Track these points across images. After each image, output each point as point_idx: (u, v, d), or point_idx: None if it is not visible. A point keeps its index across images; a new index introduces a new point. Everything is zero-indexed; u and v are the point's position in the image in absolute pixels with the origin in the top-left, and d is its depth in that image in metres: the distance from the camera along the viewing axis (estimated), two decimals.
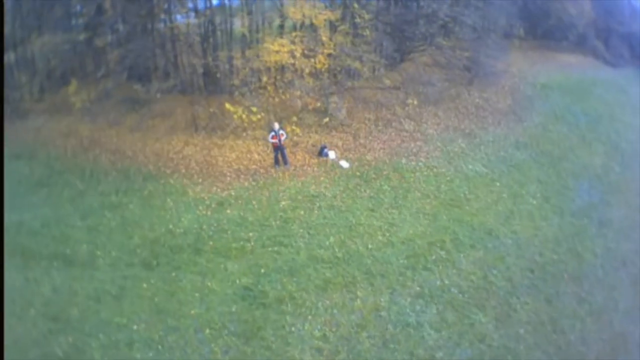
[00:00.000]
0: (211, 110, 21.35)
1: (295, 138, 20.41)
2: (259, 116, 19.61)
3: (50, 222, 16.08)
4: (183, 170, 18.80)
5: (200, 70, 21.94)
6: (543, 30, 37.67)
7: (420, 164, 19.67)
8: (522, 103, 27.10)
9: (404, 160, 19.79)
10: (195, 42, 21.83)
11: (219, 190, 17.62)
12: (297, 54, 19.26)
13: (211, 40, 22.45)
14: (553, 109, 27.33)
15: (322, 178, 18.24)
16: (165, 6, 22.37)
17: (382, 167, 19.12)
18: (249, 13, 22.50)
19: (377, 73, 23.37)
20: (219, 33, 22.84)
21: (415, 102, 22.77)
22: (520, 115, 25.71)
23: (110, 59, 22.21)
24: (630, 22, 42.90)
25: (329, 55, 20.16)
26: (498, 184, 19.55)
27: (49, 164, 19.17)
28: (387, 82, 22.72)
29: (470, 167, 20.09)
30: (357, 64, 21.39)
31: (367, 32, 20.96)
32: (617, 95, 33.18)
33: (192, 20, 22.75)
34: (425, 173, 19.16)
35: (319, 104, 20.45)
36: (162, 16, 22.22)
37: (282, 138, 18.55)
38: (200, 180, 18.17)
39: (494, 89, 27.04)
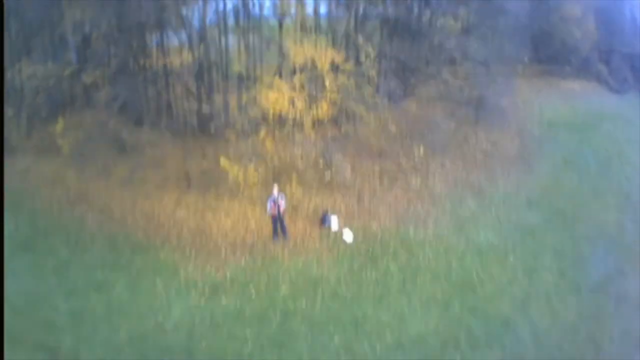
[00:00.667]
0: (205, 166, 19.49)
1: (294, 201, 18.55)
2: (256, 177, 17.66)
3: (35, 301, 14.45)
4: (174, 241, 17.02)
5: (194, 117, 19.84)
6: (546, 55, 36.13)
7: (429, 233, 18.12)
8: (531, 146, 25.85)
9: (411, 230, 18.19)
10: (189, 81, 19.60)
11: (213, 269, 15.82)
12: (298, 103, 17.27)
13: (205, 78, 20.22)
14: (562, 153, 26.03)
15: (324, 255, 16.58)
16: (158, 37, 20.35)
17: (389, 240, 17.52)
18: (246, 48, 20.26)
19: (382, 116, 21.34)
20: (214, 70, 20.77)
21: (422, 151, 20.94)
22: (530, 162, 24.41)
23: (99, 97, 20.34)
24: (633, 42, 41.60)
25: (332, 102, 18.18)
26: (512, 257, 17.98)
27: (34, 222, 17.65)
28: (393, 128, 20.89)
29: (482, 236, 18.57)
30: (361, 109, 19.44)
31: (372, 72, 18.94)
32: (625, 129, 31.66)
33: (186, 52, 20.70)
34: (434, 246, 17.59)
35: (321, 161, 18.50)
36: (154, 50, 20.03)
37: (282, 208, 16.78)
38: (192, 254, 16.41)
39: (500, 129, 25.61)
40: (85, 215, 17.86)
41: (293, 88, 18.33)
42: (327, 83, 18.13)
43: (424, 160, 21.57)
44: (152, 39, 20.75)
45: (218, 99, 19.96)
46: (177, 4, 19.55)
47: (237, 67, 20.63)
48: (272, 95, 17.78)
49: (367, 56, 19.11)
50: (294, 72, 19.75)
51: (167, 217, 17.94)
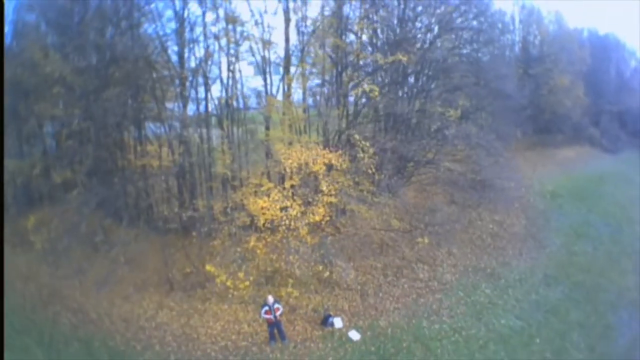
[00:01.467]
0: (188, 268, 18.39)
1: (291, 301, 17.19)
2: (246, 283, 16.48)
3: None
4: (157, 347, 15.49)
5: (176, 221, 19.21)
6: (538, 127, 36.68)
7: (444, 326, 16.49)
8: (538, 222, 25.09)
9: (424, 323, 16.63)
10: (169, 182, 19.26)
11: None
12: (292, 210, 16.52)
13: (187, 178, 19.88)
14: (572, 225, 25.26)
15: (330, 358, 14.78)
16: (135, 133, 20.12)
17: (401, 337, 15.89)
18: (230, 146, 20.13)
19: (383, 210, 20.62)
20: (196, 171, 20.38)
21: (426, 240, 19.89)
22: (540, 238, 23.45)
23: (71, 197, 19.02)
24: (620, 99, 42.70)
25: (329, 204, 17.45)
26: (538, 340, 16.36)
27: (8, 319, 15.33)
28: (395, 222, 19.97)
29: (502, 321, 17.03)
30: (361, 207, 18.69)
31: (371, 168, 18.43)
32: (626, 189, 32.09)
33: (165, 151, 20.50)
34: (452, 339, 15.95)
35: (321, 267, 17.37)
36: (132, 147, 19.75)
37: (278, 313, 15.44)
38: None
39: (504, 208, 24.77)
40: (59, 315, 16.41)
41: (284, 194, 17.64)
42: (323, 187, 17.45)
43: (428, 248, 20.41)
44: (130, 136, 20.44)
45: (201, 202, 19.25)
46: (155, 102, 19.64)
47: (221, 168, 20.17)
48: (261, 204, 17.08)
49: (364, 152, 18.52)
50: (282, 177, 19.32)
51: (148, 320, 16.51)
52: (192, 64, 19.62)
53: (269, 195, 17.03)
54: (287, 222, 16.41)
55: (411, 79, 23.04)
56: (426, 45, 22.33)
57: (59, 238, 17.94)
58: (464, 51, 25.12)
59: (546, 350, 15.83)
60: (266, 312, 15.31)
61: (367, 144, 18.51)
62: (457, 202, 24.21)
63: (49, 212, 19.46)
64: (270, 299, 15.47)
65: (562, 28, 38.34)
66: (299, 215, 16.26)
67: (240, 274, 16.35)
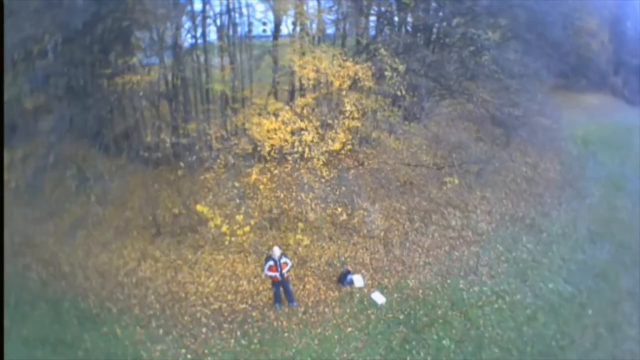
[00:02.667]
0: (178, 208, 14.75)
1: (301, 251, 13.78)
2: (246, 228, 12.81)
3: None
4: (136, 309, 12.18)
5: (165, 149, 15.33)
6: (562, 69, 33.04)
7: (485, 288, 13.48)
8: (573, 169, 21.89)
9: (461, 284, 13.56)
10: (158, 104, 15.34)
11: (189, 353, 11.00)
12: (308, 135, 12.55)
13: (180, 99, 15.74)
14: (609, 177, 22.08)
15: (349, 329, 11.74)
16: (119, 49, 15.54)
17: (435, 301, 12.82)
18: (232, 63, 15.75)
19: (411, 142, 16.88)
20: (190, 89, 16.23)
21: (456, 181, 16.48)
22: (578, 188, 20.24)
23: (45, 124, 15.19)
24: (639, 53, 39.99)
25: (351, 129, 13.51)
26: (590, 311, 13.43)
27: None
28: (425, 157, 16.24)
29: (550, 286, 14.02)
30: (386, 136, 14.84)
31: (401, 90, 14.28)
32: None
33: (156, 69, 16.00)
34: (495, 306, 12.93)
35: (340, 209, 13.72)
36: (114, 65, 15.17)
37: (286, 269, 11.97)
38: (161, 331, 11.52)
39: (536, 150, 21.35)
40: (28, 269, 13.26)
41: (298, 114, 13.58)
42: (347, 106, 13.43)
43: (459, 191, 17.11)
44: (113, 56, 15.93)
45: (193, 126, 15.15)
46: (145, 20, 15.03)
47: (219, 85, 16.05)
48: (268, 125, 13.04)
49: (392, 69, 14.35)
50: (294, 92, 15.09)
51: (129, 274, 13.24)
52: None
53: (277, 116, 12.92)
54: (299, 149, 12.51)
55: None
56: None
57: (34, 175, 14.41)
58: None
59: (600, 325, 12.96)
60: (270, 268, 11.82)
61: (397, 60, 14.26)
62: (484, 139, 20.72)
63: (25, 146, 15.35)
64: (277, 251, 11.90)
65: None
66: (314, 140, 12.28)
67: (239, 217, 12.69)
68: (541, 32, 20.81)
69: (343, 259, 13.88)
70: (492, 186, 18.11)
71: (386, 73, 14.15)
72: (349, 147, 13.83)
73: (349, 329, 11.66)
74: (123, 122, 16.18)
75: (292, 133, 12.89)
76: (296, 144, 12.69)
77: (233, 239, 13.05)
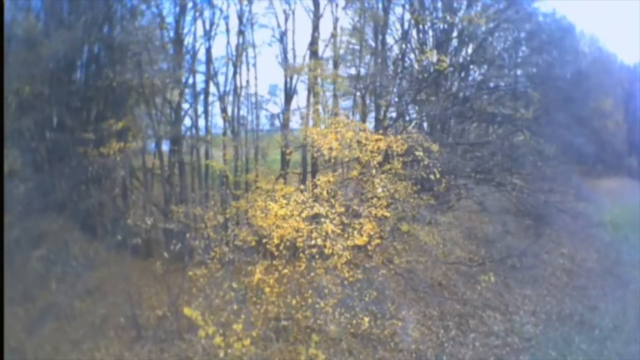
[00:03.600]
0: (160, 312, 12.34)
1: None
2: (246, 341, 10.34)
3: None
4: None
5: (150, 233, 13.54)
6: (578, 153, 31.70)
7: None
8: (610, 255, 19.60)
9: None
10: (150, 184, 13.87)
11: None
12: (328, 224, 10.52)
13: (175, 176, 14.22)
14: None
15: None
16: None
17: None
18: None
19: (445, 234, 14.95)
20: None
21: (492, 279, 14.12)
22: (618, 274, 17.83)
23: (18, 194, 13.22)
24: None
25: (380, 219, 11.52)
26: None
27: None
28: (459, 253, 14.17)
29: None
30: (420, 231, 12.87)
31: (434, 173, 12.35)
32: None
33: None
34: None
35: (365, 320, 11.30)
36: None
37: None
38: None
39: (568, 240, 19.22)
40: None
41: (316, 196, 11.65)
42: (378, 188, 11.52)
43: (495, 290, 14.80)
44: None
45: (182, 209, 13.30)
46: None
47: (219, 164, 14.49)
48: (278, 209, 11.11)
49: (426, 149, 12.28)
50: (306, 173, 13.37)
51: None
52: None
53: (288, 199, 11.05)
54: (317, 241, 10.34)
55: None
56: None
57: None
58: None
59: None
60: None
61: (428, 137, 12.71)
62: (511, 232, 18.65)
63: None
64: None
65: (599, 50, 34.07)
66: (336, 232, 10.18)
67: (237, 326, 10.23)
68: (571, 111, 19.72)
69: None
70: (530, 282, 15.78)
71: (417, 153, 12.34)
72: (377, 240, 11.65)
73: None
74: (101, 197, 14.26)
75: (308, 221, 10.82)
76: (313, 235, 10.53)
77: (229, 351, 10.53)
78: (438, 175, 12.38)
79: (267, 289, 11.19)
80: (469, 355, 12.33)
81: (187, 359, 11.45)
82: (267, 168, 14.93)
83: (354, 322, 11.72)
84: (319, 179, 11.86)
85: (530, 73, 19.44)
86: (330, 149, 11.61)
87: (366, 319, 11.40)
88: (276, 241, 10.87)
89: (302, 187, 12.19)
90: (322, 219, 10.75)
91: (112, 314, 12.81)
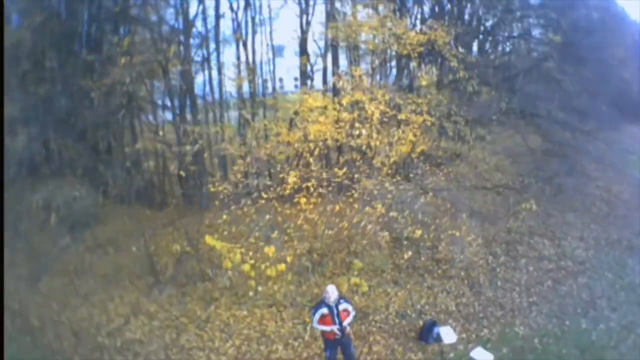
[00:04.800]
0: (177, 247, 11.16)
1: (358, 300, 9.93)
2: (281, 266, 9.21)
3: None
4: None
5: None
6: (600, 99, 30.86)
7: (612, 324, 9.69)
8: None
9: (584, 324, 9.71)
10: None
11: None
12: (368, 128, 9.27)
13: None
14: None
15: None
16: None
17: (559, 351, 8.90)
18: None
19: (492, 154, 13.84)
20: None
21: (534, 208, 12.97)
22: None
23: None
24: None
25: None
26: None
27: None
28: (500, 177, 12.97)
29: None
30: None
31: (473, 85, 11.17)
32: None
33: None
34: (630, 342, 9.16)
35: (419, 232, 10.11)
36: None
37: (347, 320, 7.98)
38: None
39: (601, 174, 18.17)
40: None
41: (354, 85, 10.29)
42: (422, 80, 10.27)
43: (536, 218, 13.67)
44: None
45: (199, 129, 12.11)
46: None
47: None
48: (312, 102, 9.85)
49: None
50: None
51: (112, 334, 9.39)
52: None
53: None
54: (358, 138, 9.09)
55: None
56: None
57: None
58: None
59: None
60: (323, 319, 7.84)
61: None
62: (544, 166, 17.50)
63: None
64: (333, 291, 7.93)
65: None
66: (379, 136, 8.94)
67: (269, 249, 9.00)
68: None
69: (419, 307, 10.03)
70: (572, 211, 14.74)
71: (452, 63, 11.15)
72: (422, 147, 10.44)
73: None
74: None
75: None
76: (356, 126, 9.20)
77: (260, 288, 9.37)
78: (476, 87, 11.30)
79: (302, 200, 9.92)
80: (524, 279, 11.22)
81: (212, 300, 10.31)
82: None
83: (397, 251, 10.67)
84: (355, 69, 10.53)
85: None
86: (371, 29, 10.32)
87: (418, 231, 10.25)
88: (313, 139, 9.53)
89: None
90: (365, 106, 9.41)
91: (127, 264, 11.65)
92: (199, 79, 13.40)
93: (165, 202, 13.72)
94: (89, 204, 12.73)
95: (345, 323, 7.85)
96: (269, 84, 13.74)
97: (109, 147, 13.85)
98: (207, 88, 13.50)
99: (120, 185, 13.59)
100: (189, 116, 12.95)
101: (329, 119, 9.66)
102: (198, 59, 13.41)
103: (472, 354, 8.75)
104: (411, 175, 11.59)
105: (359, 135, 9.53)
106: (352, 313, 8.09)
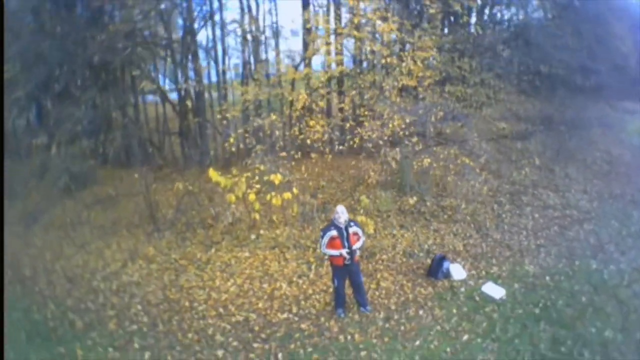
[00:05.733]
0: (180, 186, 10.93)
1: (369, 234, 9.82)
2: (287, 195, 8.91)
3: None
4: (112, 324, 7.73)
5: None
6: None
7: (622, 266, 9.42)
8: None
9: (594, 264, 9.49)
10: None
11: None
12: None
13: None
14: None
15: (465, 336, 7.41)
16: None
17: (571, 288, 8.64)
18: None
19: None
20: None
21: (537, 161, 12.85)
22: None
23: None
24: None
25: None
26: None
27: None
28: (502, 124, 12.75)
29: None
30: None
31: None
32: None
33: None
34: None
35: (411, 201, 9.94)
36: None
37: (357, 245, 7.65)
38: (147, 355, 7.04)
39: (601, 139, 18.13)
40: None
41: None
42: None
43: (539, 172, 13.72)
44: None
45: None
46: None
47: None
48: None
49: None
50: None
51: (108, 278, 9.09)
52: None
53: None
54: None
55: None
56: None
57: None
58: None
59: None
60: (332, 242, 7.50)
61: None
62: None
63: None
64: (343, 213, 7.59)
65: None
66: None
67: (275, 177, 8.71)
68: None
69: (426, 247, 9.80)
70: (575, 168, 14.72)
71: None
72: (429, 80, 10.19)
73: (466, 336, 7.34)
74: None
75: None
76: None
77: (264, 231, 9.03)
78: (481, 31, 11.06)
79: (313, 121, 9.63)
80: (531, 224, 11.07)
81: (212, 243, 10.00)
82: None
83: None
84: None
85: None
86: None
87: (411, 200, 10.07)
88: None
89: None
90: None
91: (125, 216, 11.58)
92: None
93: (165, 162, 13.46)
94: (87, 165, 12.59)
95: (355, 247, 7.54)
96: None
97: (108, 102, 13.57)
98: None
99: (117, 146, 13.35)
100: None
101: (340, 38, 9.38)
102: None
103: (484, 288, 8.51)
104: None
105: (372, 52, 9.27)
106: (363, 238, 7.80)
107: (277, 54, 13.42)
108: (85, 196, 12.04)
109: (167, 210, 11.32)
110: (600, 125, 18.16)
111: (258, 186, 9.36)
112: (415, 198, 10.90)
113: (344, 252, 7.38)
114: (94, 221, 11.16)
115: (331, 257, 7.61)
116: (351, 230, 7.50)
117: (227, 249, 9.78)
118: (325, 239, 7.42)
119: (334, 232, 7.40)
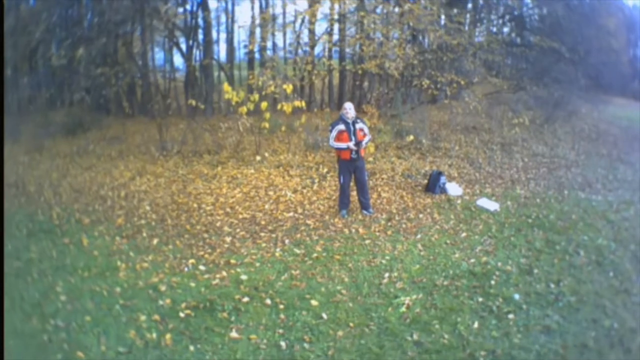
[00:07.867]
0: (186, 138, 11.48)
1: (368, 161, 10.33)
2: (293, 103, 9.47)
3: None
4: (120, 219, 8.04)
5: None
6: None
7: (610, 198, 9.93)
8: (632, 130, 18.83)
9: (582, 194, 10.02)
10: None
11: (210, 266, 6.57)
12: None
13: None
14: None
15: (463, 234, 7.84)
16: None
17: (562, 208, 9.14)
18: None
19: None
20: None
21: (527, 121, 13.44)
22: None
23: None
24: None
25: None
26: None
27: None
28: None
29: None
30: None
31: None
32: None
33: None
34: (632, 212, 9.25)
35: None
36: None
37: (364, 141, 8.10)
38: (155, 241, 7.27)
39: (588, 115, 18.97)
40: None
41: None
42: None
43: (531, 133, 14.31)
44: None
45: None
46: None
47: None
48: None
49: None
50: None
51: (116, 188, 9.40)
52: None
53: None
54: None
55: None
56: None
57: None
58: None
59: None
60: (340, 136, 7.91)
61: None
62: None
63: None
64: (350, 108, 8.03)
65: None
66: None
67: (287, 86, 9.16)
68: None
69: (423, 171, 10.27)
70: (563, 132, 15.49)
71: None
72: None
73: (464, 234, 7.76)
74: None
75: None
76: None
77: (267, 154, 9.50)
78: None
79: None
80: (520, 164, 11.69)
81: (219, 163, 10.39)
82: None
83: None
84: None
85: None
86: None
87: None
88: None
89: None
90: None
91: (133, 143, 12.01)
92: None
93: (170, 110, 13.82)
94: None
95: (362, 143, 8.01)
96: None
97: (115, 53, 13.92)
98: None
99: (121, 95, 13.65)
100: None
101: None
102: None
103: (479, 202, 8.96)
104: None
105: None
106: (368, 136, 8.25)
107: None
108: (89, 135, 12.27)
109: (175, 136, 11.74)
110: (589, 91, 18.68)
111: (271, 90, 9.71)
112: (411, 137, 11.38)
113: (351, 144, 7.81)
114: (102, 152, 11.44)
115: (338, 150, 8.02)
116: (357, 126, 7.95)
117: (233, 167, 10.19)
118: (334, 133, 7.87)
119: (342, 126, 7.86)
